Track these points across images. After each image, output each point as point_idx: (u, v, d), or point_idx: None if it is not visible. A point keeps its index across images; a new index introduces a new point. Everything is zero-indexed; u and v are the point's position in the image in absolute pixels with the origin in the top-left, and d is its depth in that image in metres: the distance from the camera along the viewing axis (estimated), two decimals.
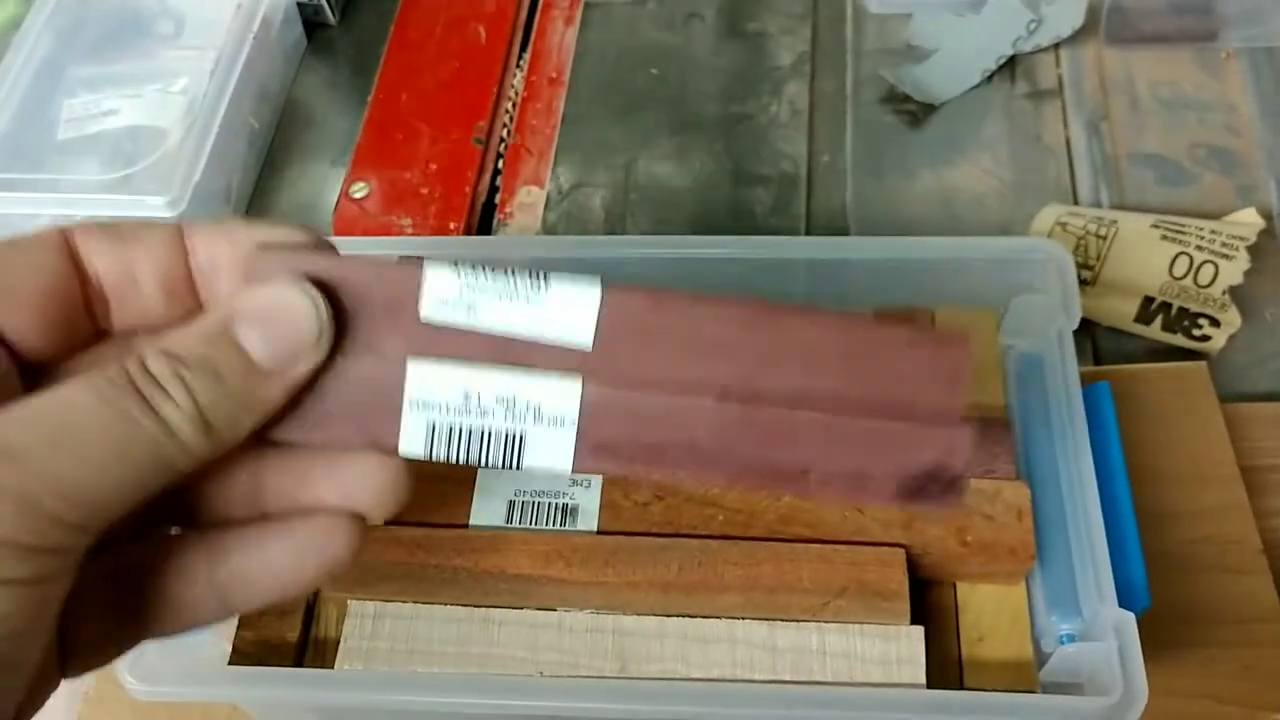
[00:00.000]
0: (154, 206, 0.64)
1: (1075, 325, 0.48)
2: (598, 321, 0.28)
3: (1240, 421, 0.57)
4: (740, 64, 0.78)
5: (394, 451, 0.28)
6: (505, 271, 0.28)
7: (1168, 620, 0.49)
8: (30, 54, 0.72)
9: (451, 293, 0.28)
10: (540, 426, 0.28)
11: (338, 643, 0.44)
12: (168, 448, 0.26)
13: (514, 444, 0.28)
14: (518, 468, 0.28)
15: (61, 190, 0.68)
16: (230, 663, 0.44)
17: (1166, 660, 0.48)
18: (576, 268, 0.51)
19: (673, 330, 0.28)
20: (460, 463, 0.29)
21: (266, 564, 0.28)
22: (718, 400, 0.28)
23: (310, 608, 0.46)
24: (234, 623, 0.45)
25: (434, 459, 0.29)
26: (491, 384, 0.28)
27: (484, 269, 0.28)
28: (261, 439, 0.28)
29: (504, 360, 0.28)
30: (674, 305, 0.28)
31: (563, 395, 0.28)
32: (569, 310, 0.28)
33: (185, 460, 0.26)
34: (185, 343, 0.27)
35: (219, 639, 0.45)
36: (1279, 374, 0.61)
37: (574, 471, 0.29)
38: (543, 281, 0.28)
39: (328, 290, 0.27)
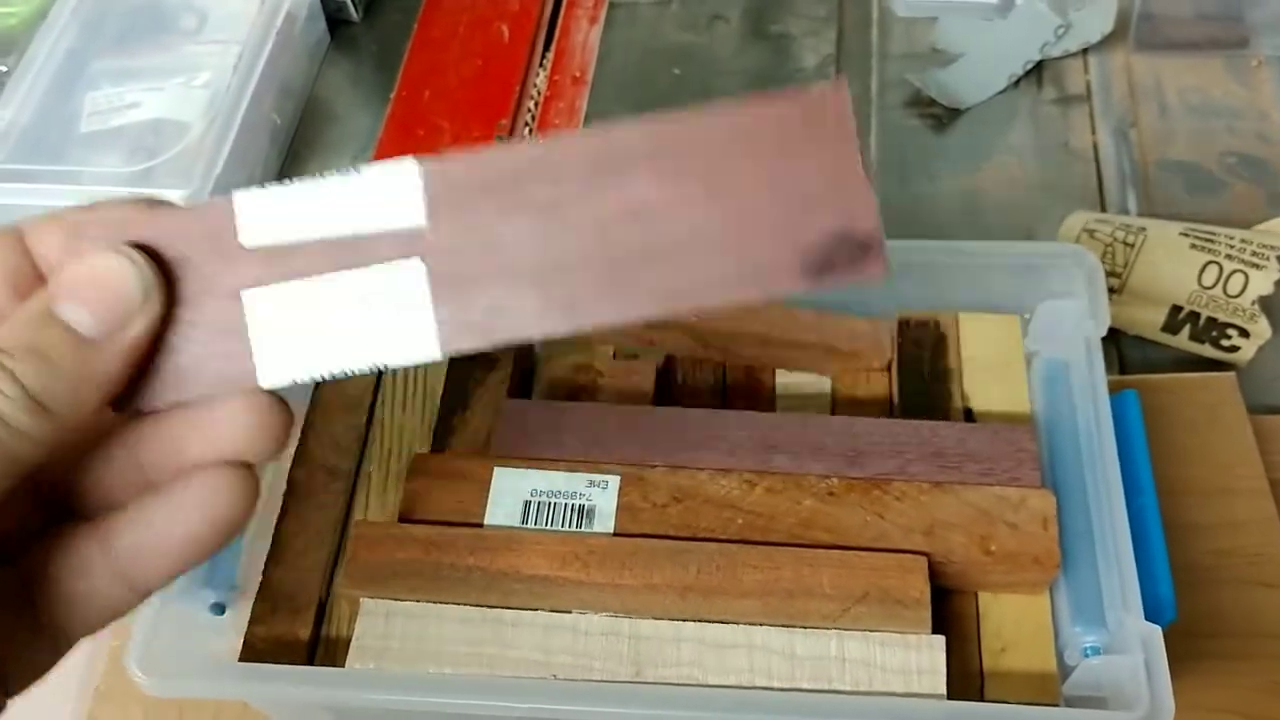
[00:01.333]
0: (175, 200, 0.63)
1: (1104, 332, 0.48)
2: (425, 196, 0.26)
3: (1269, 434, 0.56)
4: (764, 66, 0.77)
5: (256, 388, 0.27)
6: (314, 175, 0.26)
7: (1194, 633, 0.48)
8: (54, 47, 0.72)
9: (265, 211, 0.27)
10: (395, 318, 0.26)
11: (350, 641, 0.43)
12: (6, 440, 0.25)
13: (373, 344, 0.26)
14: (388, 368, 0.27)
15: (83, 182, 0.68)
16: (241, 659, 0.44)
17: (1192, 674, 0.47)
18: None
19: (506, 184, 0.26)
20: (327, 379, 0.27)
21: (157, 534, 0.27)
22: (576, 235, 0.26)
23: (323, 605, 0.45)
24: (245, 618, 0.45)
25: (299, 382, 0.27)
26: (332, 290, 0.27)
27: (291, 179, 0.26)
28: (127, 412, 0.27)
29: (341, 264, 0.27)
30: (501, 158, 0.26)
31: (409, 280, 0.26)
32: (392, 193, 0.26)
33: (30, 449, 0.26)
34: (6, 332, 0.26)
35: (231, 634, 0.45)
36: None
37: (445, 354, 0.27)
38: (354, 171, 0.27)
39: (150, 249, 0.27)
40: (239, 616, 0.45)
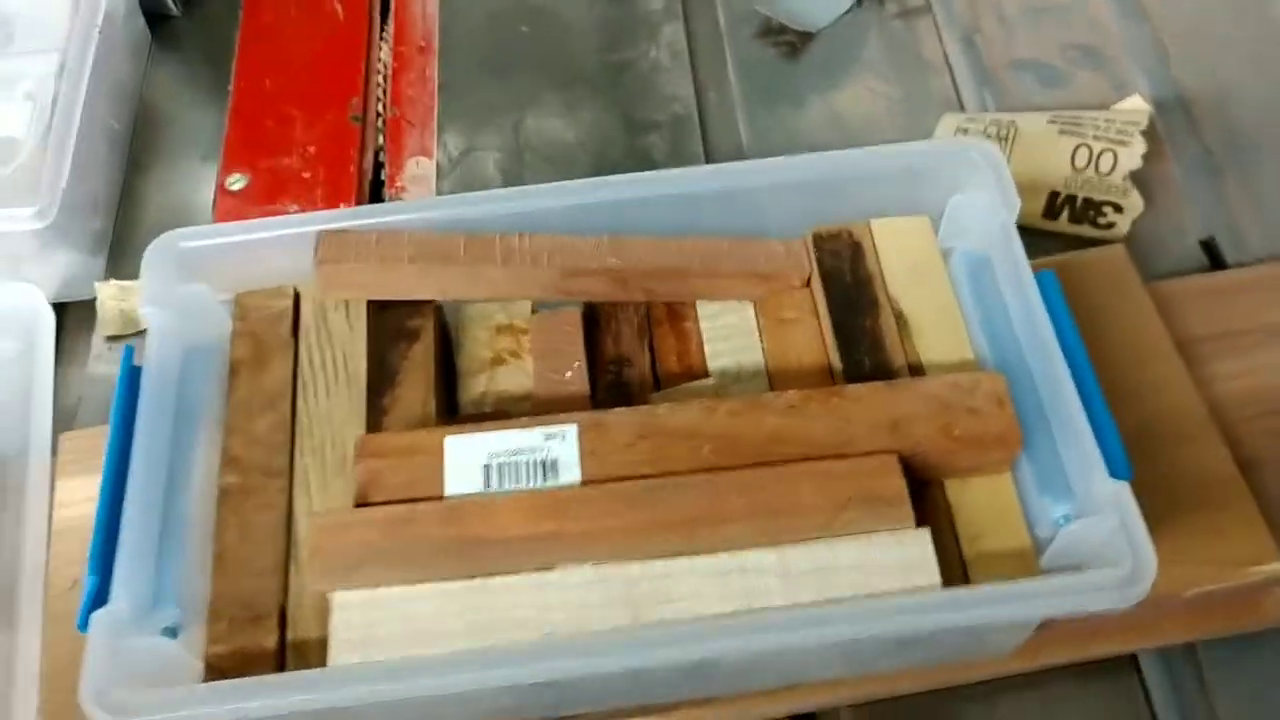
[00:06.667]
0: (23, 219, 0.58)
1: (1016, 216, 0.49)
2: None
3: (1162, 299, 0.58)
4: (612, 13, 0.76)
5: None
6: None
7: (1141, 498, 0.50)
8: None
9: None
10: None
11: (321, 643, 0.41)
12: None
13: None
14: None
15: None
16: (206, 680, 0.41)
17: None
18: (506, 224, 0.49)
19: None
20: None
21: None
22: None
23: (284, 610, 0.43)
24: (202, 640, 0.42)
25: None
26: None
27: None
28: None
29: None
30: None
31: None
32: None
33: None
34: None
35: (191, 659, 0.42)
36: (1182, 252, 0.63)
37: None
38: None
39: None
40: (194, 638, 0.42)
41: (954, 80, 0.72)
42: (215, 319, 0.50)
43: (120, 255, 0.68)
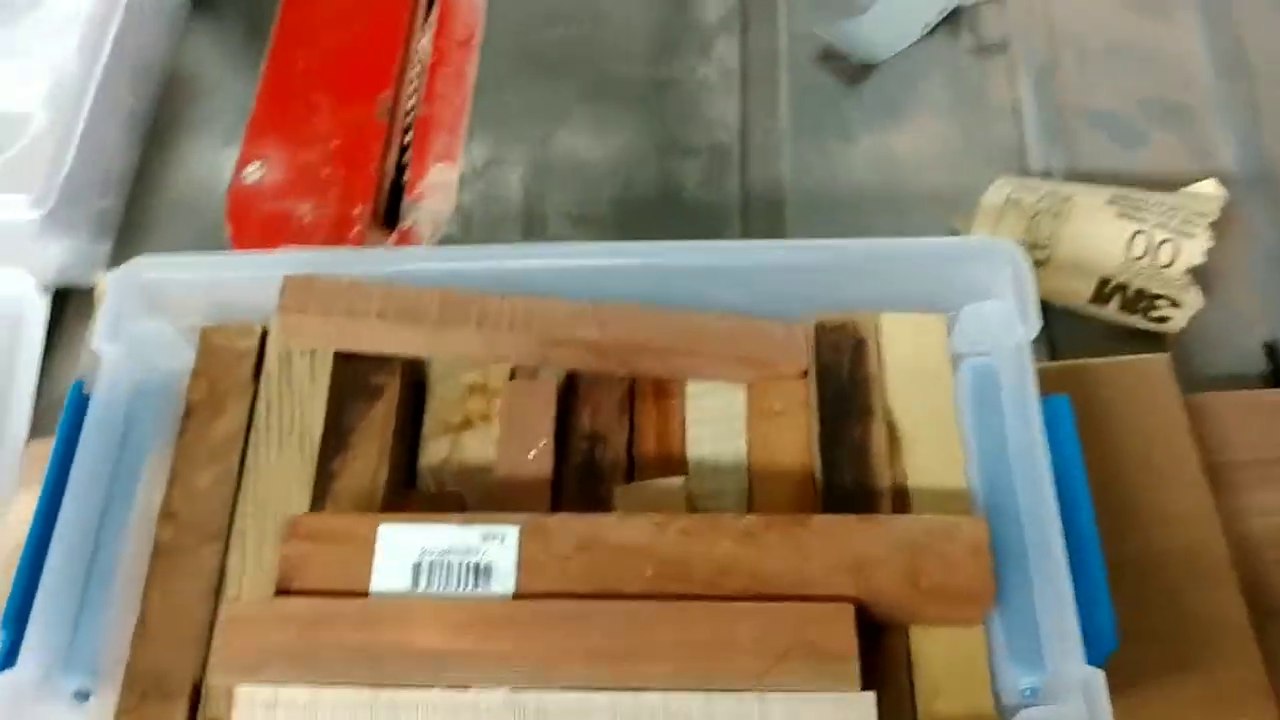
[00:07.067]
0: (16, 207, 0.57)
1: (1034, 335, 0.44)
2: None
3: (1204, 413, 0.53)
4: (664, 20, 0.72)
5: None
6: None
7: (1131, 639, 0.45)
8: None
9: None
10: None
11: None
12: None
13: None
14: None
15: None
16: None
17: (1132, 686, 0.45)
18: (489, 280, 0.47)
19: None
20: None
21: None
22: None
23: (198, 689, 0.41)
24: (113, 706, 0.41)
25: None
26: None
27: None
28: None
29: None
30: None
31: None
32: None
33: None
34: None
35: None
36: (1242, 353, 0.58)
37: None
38: None
39: None
40: (106, 704, 0.41)
41: (1021, 129, 0.66)
42: (177, 352, 0.48)
43: (130, 237, 0.66)
